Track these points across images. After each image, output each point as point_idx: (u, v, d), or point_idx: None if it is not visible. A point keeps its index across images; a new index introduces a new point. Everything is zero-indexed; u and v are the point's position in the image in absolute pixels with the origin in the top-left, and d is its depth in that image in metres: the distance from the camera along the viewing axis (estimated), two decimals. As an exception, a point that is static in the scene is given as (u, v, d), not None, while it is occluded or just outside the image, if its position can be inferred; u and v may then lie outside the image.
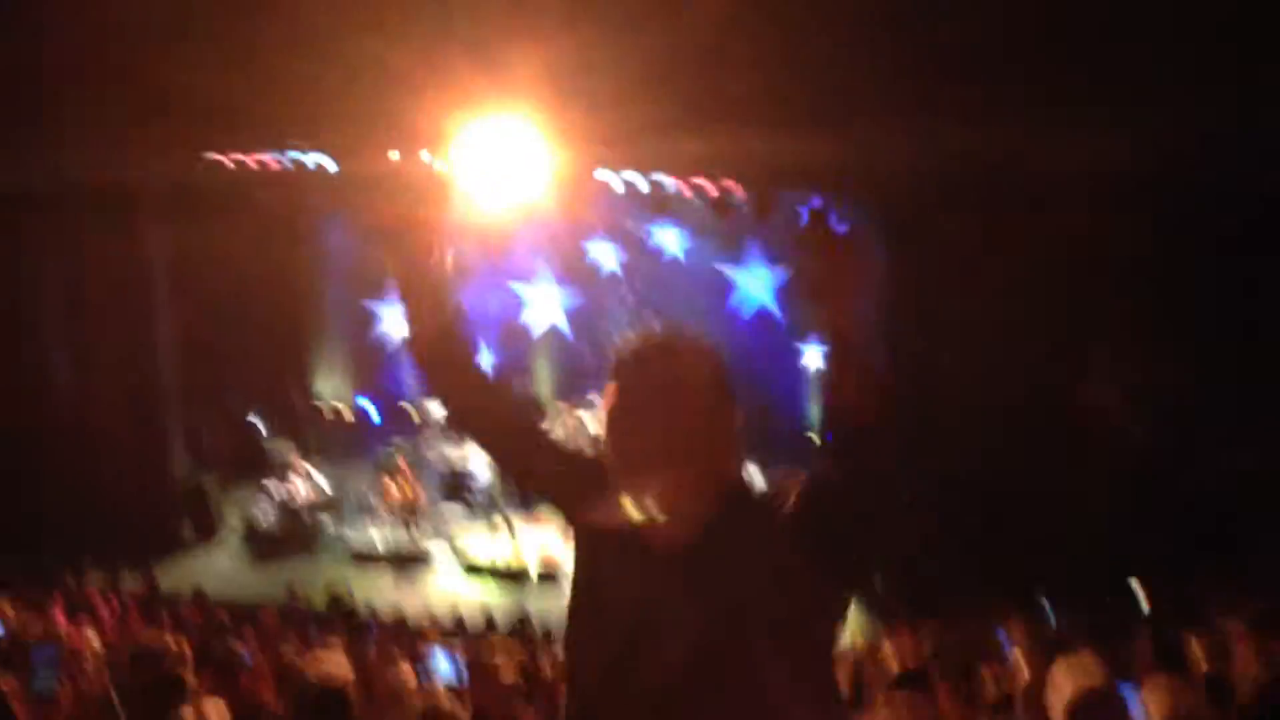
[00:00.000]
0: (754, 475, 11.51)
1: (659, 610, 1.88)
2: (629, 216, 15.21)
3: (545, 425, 2.10)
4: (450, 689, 5.84)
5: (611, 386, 1.95)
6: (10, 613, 7.61)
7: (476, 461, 13.68)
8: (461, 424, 2.33)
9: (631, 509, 1.88)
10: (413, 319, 2.22)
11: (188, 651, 5.66)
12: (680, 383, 1.90)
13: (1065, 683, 3.14)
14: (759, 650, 1.81)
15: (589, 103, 11.03)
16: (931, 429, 10.93)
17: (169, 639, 6.43)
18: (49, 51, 10.06)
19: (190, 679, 4.60)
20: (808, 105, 9.54)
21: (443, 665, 7.46)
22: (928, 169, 10.14)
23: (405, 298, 2.23)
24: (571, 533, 2.14)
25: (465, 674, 7.05)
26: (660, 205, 13.88)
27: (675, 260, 15.59)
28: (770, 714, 1.82)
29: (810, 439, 15.33)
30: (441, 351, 2.21)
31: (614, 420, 1.92)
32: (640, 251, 15.63)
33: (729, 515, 1.90)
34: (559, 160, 12.08)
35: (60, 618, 8.51)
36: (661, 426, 1.86)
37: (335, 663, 5.07)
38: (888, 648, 4.59)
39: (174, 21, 9.67)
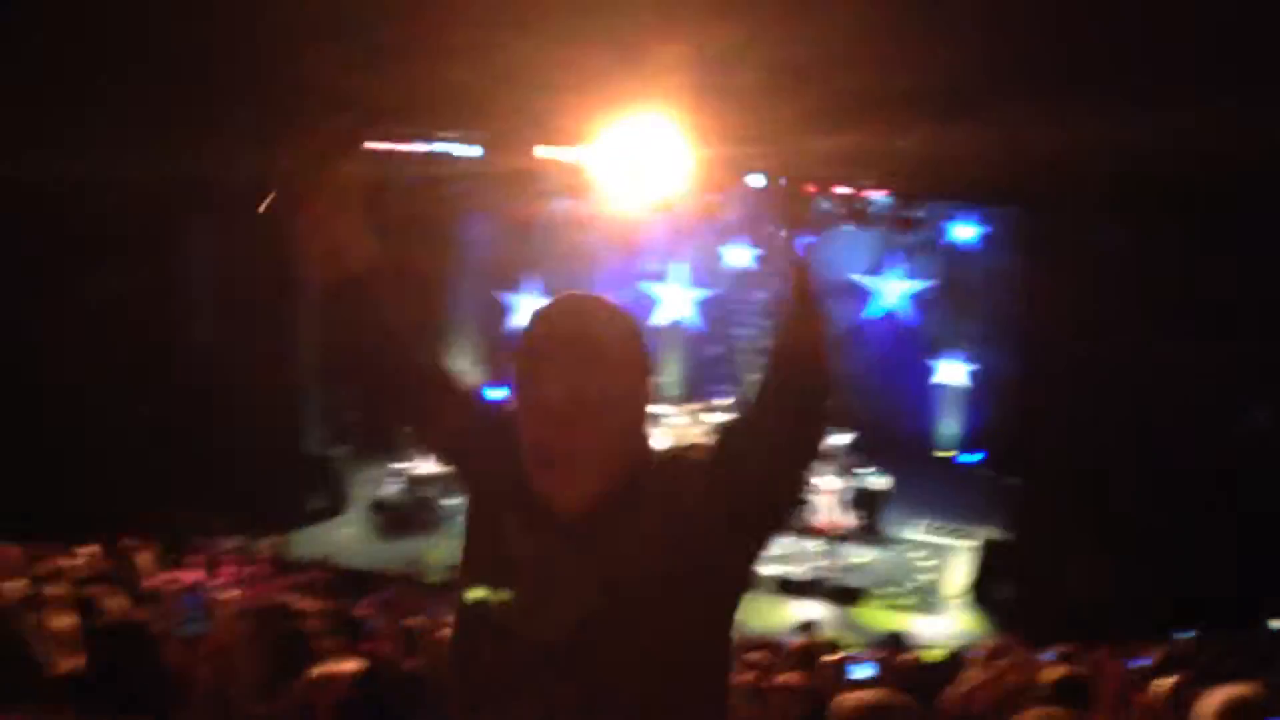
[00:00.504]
0: (877, 481, 11.33)
1: (552, 573, 1.85)
2: (766, 218, 15.15)
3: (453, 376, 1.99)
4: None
5: (525, 339, 1.89)
6: (151, 564, 7.92)
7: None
8: (364, 368, 2.12)
9: (534, 469, 1.84)
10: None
11: (317, 612, 5.81)
12: (592, 340, 1.85)
13: (1221, 703, 3.00)
14: (650, 618, 1.79)
15: (731, 103, 11.00)
16: (1078, 444, 10.65)
17: (298, 600, 6.63)
18: (206, 54, 10.50)
19: (320, 638, 4.70)
20: (955, 105, 9.32)
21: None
22: (1078, 171, 9.85)
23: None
24: (467, 484, 2.08)
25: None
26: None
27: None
28: (658, 681, 1.79)
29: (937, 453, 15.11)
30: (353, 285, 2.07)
31: (522, 373, 1.86)
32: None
33: (632, 482, 1.86)
34: (699, 159, 12.07)
35: (197, 573, 8.83)
36: (570, 382, 1.81)
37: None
38: (1036, 665, 4.45)
39: (329, 23, 9.97)
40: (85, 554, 7.64)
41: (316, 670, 3.55)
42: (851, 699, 3.00)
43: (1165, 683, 4.23)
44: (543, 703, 1.81)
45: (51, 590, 5.42)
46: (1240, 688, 3.14)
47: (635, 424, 1.90)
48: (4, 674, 3.21)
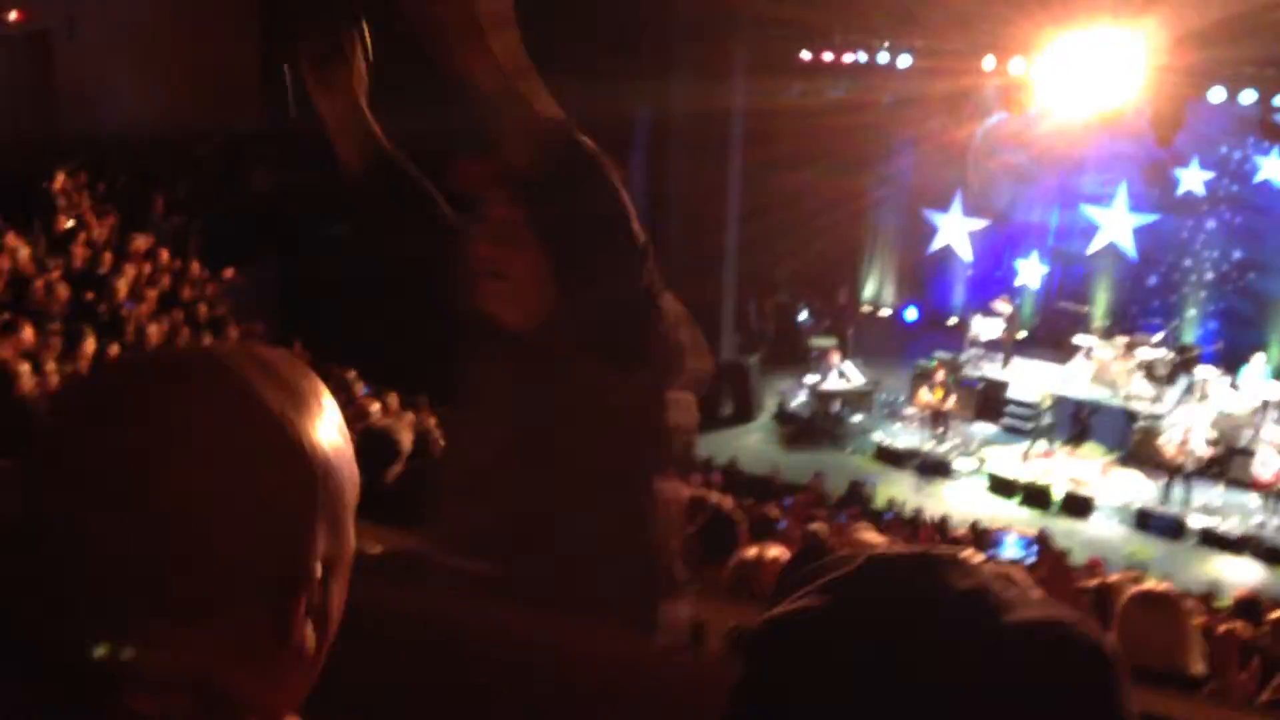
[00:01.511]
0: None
1: (484, 393, 1.88)
2: (1227, 138, 13.71)
3: None
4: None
5: None
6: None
7: (1018, 384, 13.26)
8: None
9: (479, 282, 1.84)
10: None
11: (735, 506, 6.06)
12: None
13: None
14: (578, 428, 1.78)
15: (1196, 12, 9.99)
16: None
17: (713, 495, 6.94)
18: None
19: (744, 528, 4.92)
20: None
21: (1012, 549, 8.81)
22: None
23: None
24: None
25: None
26: (1267, 127, 12.39)
27: (1274, 189, 13.83)
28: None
29: None
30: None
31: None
32: (1233, 176, 14.03)
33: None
34: (1155, 73, 11.08)
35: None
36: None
37: (871, 539, 5.19)
38: None
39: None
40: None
41: (750, 551, 3.74)
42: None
43: None
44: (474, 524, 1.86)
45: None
46: None
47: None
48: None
